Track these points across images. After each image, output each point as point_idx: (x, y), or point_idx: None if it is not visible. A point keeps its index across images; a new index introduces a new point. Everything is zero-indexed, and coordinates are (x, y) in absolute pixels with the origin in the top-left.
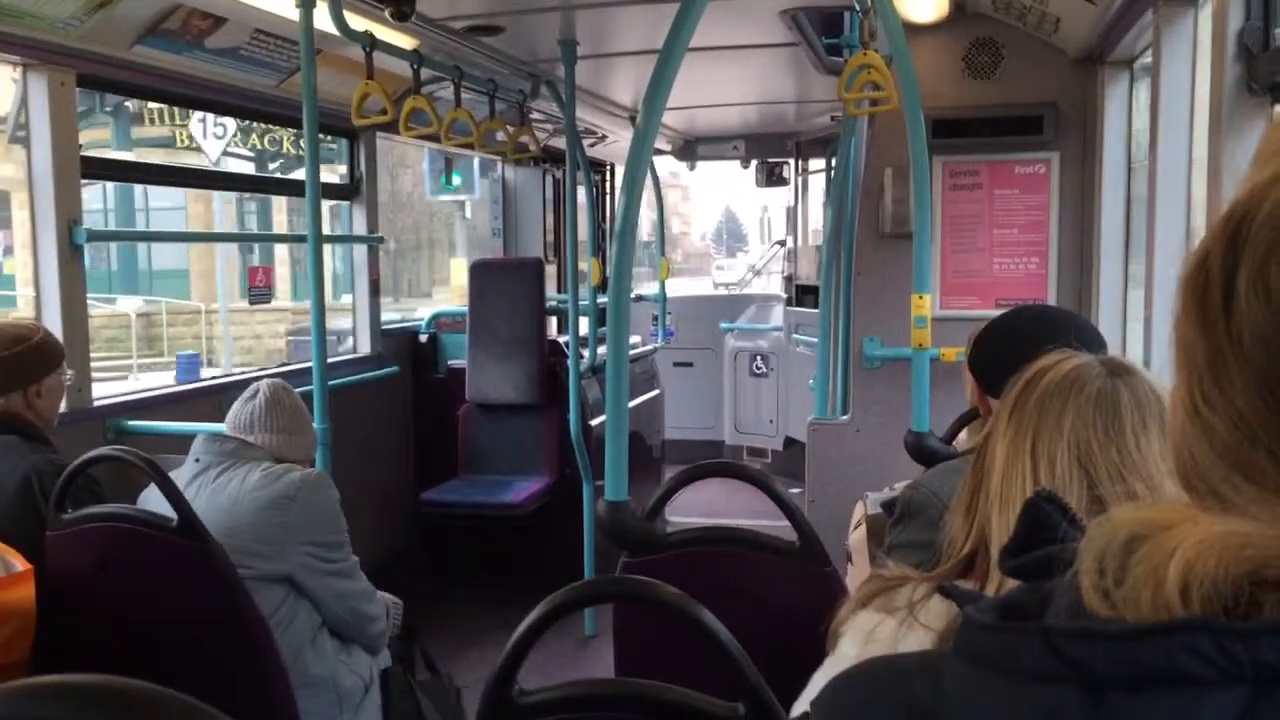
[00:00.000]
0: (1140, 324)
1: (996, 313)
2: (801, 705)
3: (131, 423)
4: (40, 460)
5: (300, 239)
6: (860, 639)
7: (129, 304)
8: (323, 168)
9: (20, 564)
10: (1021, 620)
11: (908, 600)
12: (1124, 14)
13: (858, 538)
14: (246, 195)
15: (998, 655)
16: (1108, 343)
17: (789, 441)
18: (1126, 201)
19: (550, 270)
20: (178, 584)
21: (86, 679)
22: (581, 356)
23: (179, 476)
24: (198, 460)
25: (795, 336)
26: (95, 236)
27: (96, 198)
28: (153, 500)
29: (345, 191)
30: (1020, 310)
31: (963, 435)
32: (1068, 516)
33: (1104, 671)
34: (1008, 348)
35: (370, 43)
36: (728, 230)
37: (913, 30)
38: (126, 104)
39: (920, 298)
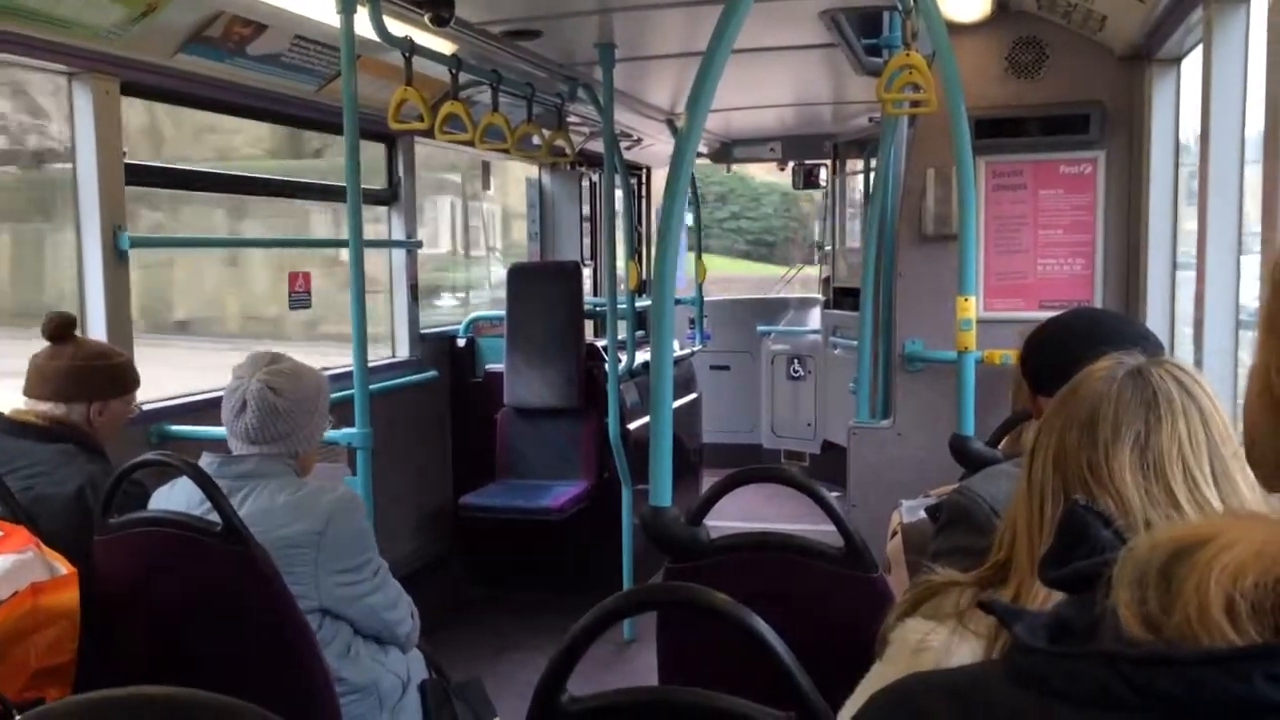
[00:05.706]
0: (1190, 326)
1: (1041, 314)
2: (849, 711)
3: (174, 428)
4: (96, 471)
5: (341, 244)
6: (910, 647)
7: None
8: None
9: (65, 567)
10: (1071, 642)
11: (955, 607)
12: (1172, 10)
13: (894, 547)
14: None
15: (1057, 681)
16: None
17: (827, 445)
18: (1174, 201)
19: (586, 273)
20: (222, 588)
21: (158, 691)
22: (619, 360)
23: (193, 500)
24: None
25: (833, 339)
26: (139, 243)
27: None
28: (163, 500)
29: (384, 196)
30: (1075, 312)
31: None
32: (1110, 526)
33: (1184, 698)
34: (1060, 349)
35: (410, 48)
36: None
37: (955, 30)
38: None
39: (965, 300)
